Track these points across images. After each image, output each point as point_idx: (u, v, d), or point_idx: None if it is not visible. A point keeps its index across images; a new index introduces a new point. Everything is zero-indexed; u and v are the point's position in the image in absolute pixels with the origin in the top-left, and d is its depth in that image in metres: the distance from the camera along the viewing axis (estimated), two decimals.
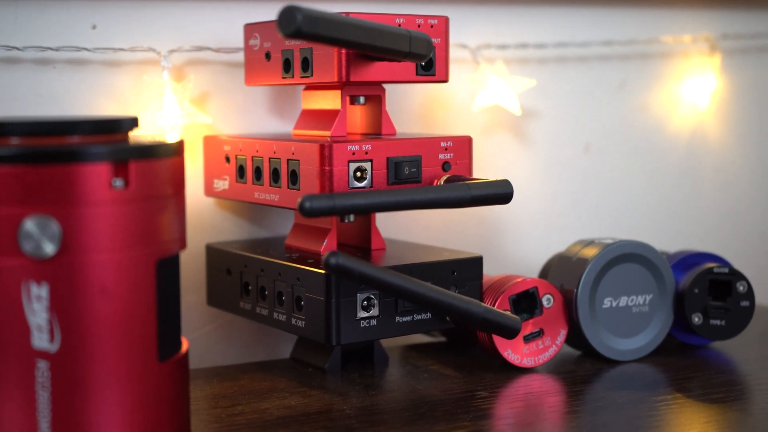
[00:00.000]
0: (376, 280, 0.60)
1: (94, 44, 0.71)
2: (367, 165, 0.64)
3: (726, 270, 0.72)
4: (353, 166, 0.64)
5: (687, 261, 0.75)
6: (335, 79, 0.65)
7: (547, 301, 0.69)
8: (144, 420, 0.49)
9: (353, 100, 0.69)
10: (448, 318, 0.66)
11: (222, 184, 0.72)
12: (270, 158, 0.67)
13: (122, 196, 0.48)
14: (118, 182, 0.48)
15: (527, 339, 0.69)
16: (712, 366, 0.70)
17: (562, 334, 0.70)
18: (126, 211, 0.48)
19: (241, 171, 0.70)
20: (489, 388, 0.65)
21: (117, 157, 0.48)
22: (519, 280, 0.69)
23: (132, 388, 0.49)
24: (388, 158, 0.65)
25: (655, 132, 0.92)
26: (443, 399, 0.63)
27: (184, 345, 0.53)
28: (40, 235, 0.46)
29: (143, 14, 0.72)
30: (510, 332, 0.65)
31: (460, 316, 0.63)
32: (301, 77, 0.67)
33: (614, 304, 0.71)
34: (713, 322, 0.73)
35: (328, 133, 0.68)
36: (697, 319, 0.72)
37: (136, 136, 0.53)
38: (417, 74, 0.67)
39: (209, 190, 0.74)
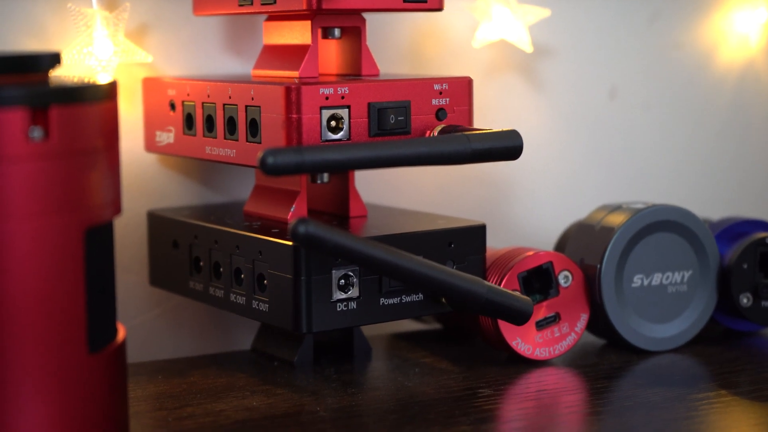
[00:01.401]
0: (356, 253, 0.60)
1: None
2: (343, 112, 0.64)
3: None
4: (327, 113, 0.63)
5: (734, 230, 0.75)
6: (304, 7, 0.65)
7: (564, 279, 0.69)
8: (70, 424, 0.49)
9: (326, 33, 0.69)
10: (443, 300, 0.66)
11: (166, 137, 0.72)
12: (225, 105, 0.67)
13: (41, 149, 0.48)
14: (37, 132, 0.48)
15: (540, 325, 0.69)
16: (764, 357, 0.71)
17: (583, 319, 0.70)
18: (46, 168, 0.48)
19: (189, 121, 0.70)
20: (493, 385, 0.65)
21: (35, 101, 0.47)
22: (530, 253, 0.69)
23: (56, 386, 0.49)
24: (369, 104, 0.65)
25: (695, 74, 0.92)
26: (438, 398, 0.63)
27: (121, 333, 0.53)
28: None
29: None
30: (519, 317, 0.65)
31: (459, 298, 0.63)
32: (263, 5, 0.67)
33: (646, 282, 0.71)
34: (766, 303, 0.73)
35: (295, 73, 0.68)
36: (745, 300, 0.73)
37: (59, 76, 0.53)
38: (405, 1, 0.67)
39: (150, 145, 0.74)
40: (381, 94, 0.65)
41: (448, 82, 0.67)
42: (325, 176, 0.67)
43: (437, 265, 0.63)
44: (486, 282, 0.64)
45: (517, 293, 0.66)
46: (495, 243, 0.79)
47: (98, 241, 0.51)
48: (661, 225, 0.71)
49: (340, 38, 0.70)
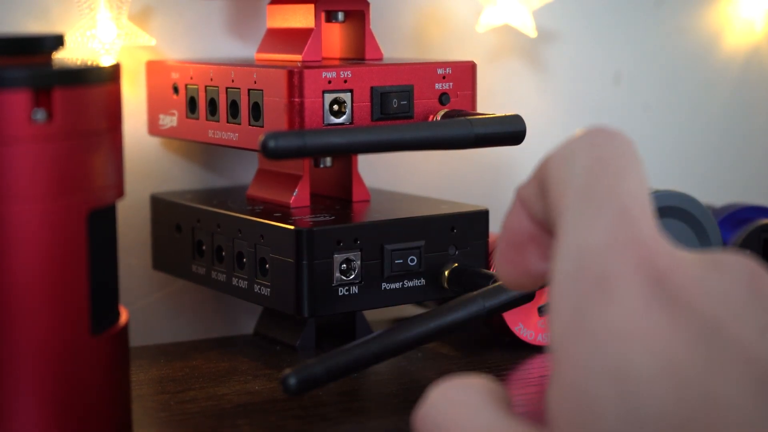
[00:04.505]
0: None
1: None
2: (346, 96, 0.64)
3: None
4: (329, 97, 0.63)
5: (737, 216, 0.75)
6: None
7: None
8: (72, 406, 0.49)
9: (330, 17, 0.69)
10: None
11: (169, 121, 0.72)
12: (227, 88, 0.67)
13: (44, 131, 0.47)
14: (40, 114, 0.47)
15: (543, 311, 0.69)
16: None
17: None
18: (49, 150, 0.48)
19: (192, 104, 0.70)
20: (495, 370, 0.65)
21: (38, 82, 0.47)
22: None
23: (58, 368, 0.49)
24: (372, 88, 0.65)
25: (700, 59, 0.92)
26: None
27: (124, 316, 0.53)
28: None
29: None
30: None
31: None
32: None
33: None
34: None
35: (299, 57, 0.68)
36: None
37: (62, 58, 0.52)
38: None
39: (154, 128, 0.74)
40: (384, 78, 0.65)
41: (452, 66, 0.67)
42: (328, 160, 0.67)
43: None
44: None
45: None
46: (498, 228, 0.79)
47: (101, 224, 0.50)
48: (664, 211, 0.71)
49: (343, 22, 0.70)
